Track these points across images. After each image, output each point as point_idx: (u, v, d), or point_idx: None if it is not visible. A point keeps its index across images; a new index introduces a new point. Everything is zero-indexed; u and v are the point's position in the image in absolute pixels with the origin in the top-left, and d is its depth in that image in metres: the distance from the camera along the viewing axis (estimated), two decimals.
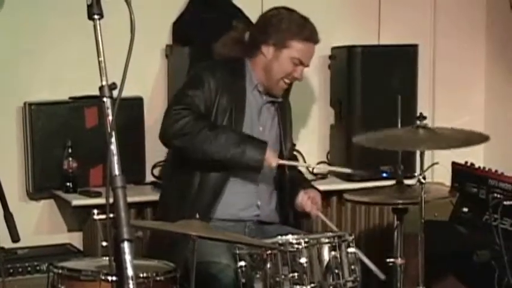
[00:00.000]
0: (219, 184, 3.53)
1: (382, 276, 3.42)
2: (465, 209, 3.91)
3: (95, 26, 1.99)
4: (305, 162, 4.45)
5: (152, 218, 4.06)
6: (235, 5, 4.41)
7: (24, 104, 4.14)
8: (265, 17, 3.68)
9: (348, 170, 4.12)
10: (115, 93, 1.98)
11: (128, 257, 1.90)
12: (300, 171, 3.98)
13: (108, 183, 1.94)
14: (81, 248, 4.20)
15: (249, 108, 3.60)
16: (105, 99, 1.97)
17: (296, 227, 3.74)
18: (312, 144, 4.69)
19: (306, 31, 3.60)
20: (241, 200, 3.58)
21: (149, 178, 4.34)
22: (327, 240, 3.17)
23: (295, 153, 4.16)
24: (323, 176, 4.52)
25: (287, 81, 3.64)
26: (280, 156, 3.65)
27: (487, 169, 3.84)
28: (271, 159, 3.51)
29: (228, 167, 3.52)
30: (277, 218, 3.71)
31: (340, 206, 4.46)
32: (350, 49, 4.45)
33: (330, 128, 4.67)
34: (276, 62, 3.59)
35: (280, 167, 3.63)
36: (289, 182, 3.73)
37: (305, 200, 3.67)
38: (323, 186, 4.07)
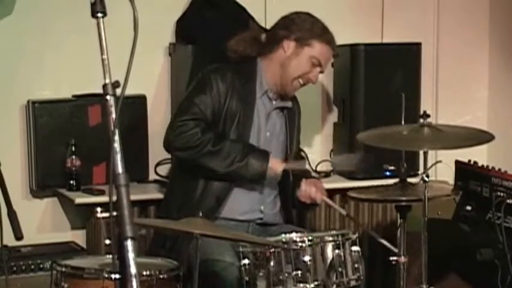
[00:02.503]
0: (223, 190, 3.53)
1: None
2: (468, 208, 3.91)
3: (98, 24, 1.99)
4: (308, 160, 4.45)
5: (155, 216, 4.06)
6: (239, 3, 4.40)
7: (28, 102, 4.14)
8: (287, 17, 3.66)
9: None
10: (118, 91, 1.98)
11: (131, 255, 1.90)
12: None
13: (111, 181, 1.94)
14: (84, 246, 4.20)
15: (257, 113, 3.59)
16: (108, 97, 1.97)
17: (299, 225, 3.74)
18: (315, 143, 4.69)
19: (328, 34, 3.62)
20: (245, 205, 3.58)
21: (152, 176, 4.35)
22: (330, 239, 3.17)
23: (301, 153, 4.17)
24: (326, 174, 4.52)
25: (301, 81, 3.63)
26: (285, 161, 3.64)
27: (490, 167, 3.84)
28: (276, 167, 3.51)
29: (232, 179, 3.52)
30: (281, 219, 3.70)
31: (344, 204, 4.46)
32: (353, 47, 4.44)
33: (333, 126, 4.67)
34: (295, 58, 3.58)
35: (284, 172, 3.64)
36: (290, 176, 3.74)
37: (309, 187, 3.67)
38: (326, 184, 4.05)
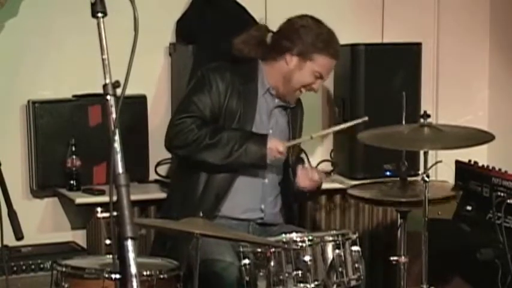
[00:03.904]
0: (224, 187, 3.53)
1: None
2: (469, 207, 3.90)
3: (98, 24, 1.99)
4: (309, 161, 4.44)
5: (156, 216, 4.06)
6: (239, 3, 4.40)
7: (28, 102, 4.14)
8: (292, 25, 3.63)
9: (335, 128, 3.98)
10: (118, 91, 1.98)
11: (131, 255, 1.91)
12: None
13: (111, 181, 1.94)
14: (84, 246, 4.20)
15: (259, 111, 3.60)
16: (108, 97, 1.97)
17: (300, 225, 3.74)
18: (315, 143, 4.68)
19: (332, 47, 3.60)
20: (245, 203, 3.59)
21: (153, 176, 4.35)
22: (330, 239, 3.17)
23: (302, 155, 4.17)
24: (327, 174, 4.52)
25: (304, 90, 3.64)
26: (285, 161, 3.65)
27: (490, 167, 3.84)
28: (276, 147, 3.50)
29: (234, 169, 3.52)
30: (282, 220, 3.70)
31: (344, 204, 4.46)
32: (353, 47, 4.44)
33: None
34: (298, 72, 3.58)
35: (288, 166, 3.64)
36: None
37: (305, 170, 3.71)
38: (327, 184, 4.07)
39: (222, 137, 3.46)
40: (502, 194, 3.65)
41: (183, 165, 3.70)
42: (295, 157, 3.77)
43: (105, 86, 1.98)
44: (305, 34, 3.57)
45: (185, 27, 4.37)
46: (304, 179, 3.71)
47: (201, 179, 3.53)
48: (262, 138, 3.50)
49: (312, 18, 3.64)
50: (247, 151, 3.46)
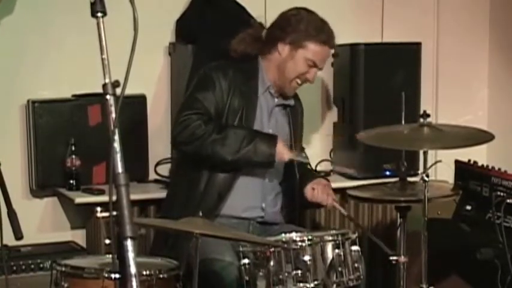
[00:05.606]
0: (225, 186, 3.52)
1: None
2: (468, 207, 3.90)
3: (98, 24, 1.99)
4: (308, 160, 4.44)
5: (156, 215, 4.06)
6: (239, 3, 4.41)
7: (28, 101, 4.14)
8: (284, 15, 3.65)
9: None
10: (118, 90, 1.98)
11: (131, 255, 1.91)
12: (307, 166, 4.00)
13: (111, 180, 1.94)
14: (84, 245, 4.20)
15: (259, 109, 3.59)
16: (108, 96, 1.97)
17: (300, 225, 3.74)
18: (315, 142, 4.69)
19: (323, 34, 3.60)
20: (246, 202, 3.58)
21: (152, 176, 4.35)
22: (330, 238, 3.17)
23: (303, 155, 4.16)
24: (326, 174, 4.52)
25: (299, 81, 3.63)
26: (289, 160, 3.64)
27: (490, 167, 3.84)
28: (284, 153, 3.50)
29: (239, 167, 3.52)
30: (282, 219, 3.70)
31: (344, 203, 4.46)
32: (353, 47, 4.44)
33: (333, 126, 4.67)
34: (291, 61, 3.58)
35: (289, 166, 3.63)
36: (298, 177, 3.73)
37: (321, 192, 3.65)
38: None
39: (230, 133, 3.45)
40: (502, 194, 3.66)
41: (183, 165, 3.69)
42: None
43: (104, 85, 1.98)
44: (296, 23, 3.58)
45: (185, 27, 4.37)
46: (315, 198, 3.67)
47: (202, 178, 3.53)
48: (272, 138, 3.50)
49: (305, 9, 3.65)
50: (257, 148, 3.44)
